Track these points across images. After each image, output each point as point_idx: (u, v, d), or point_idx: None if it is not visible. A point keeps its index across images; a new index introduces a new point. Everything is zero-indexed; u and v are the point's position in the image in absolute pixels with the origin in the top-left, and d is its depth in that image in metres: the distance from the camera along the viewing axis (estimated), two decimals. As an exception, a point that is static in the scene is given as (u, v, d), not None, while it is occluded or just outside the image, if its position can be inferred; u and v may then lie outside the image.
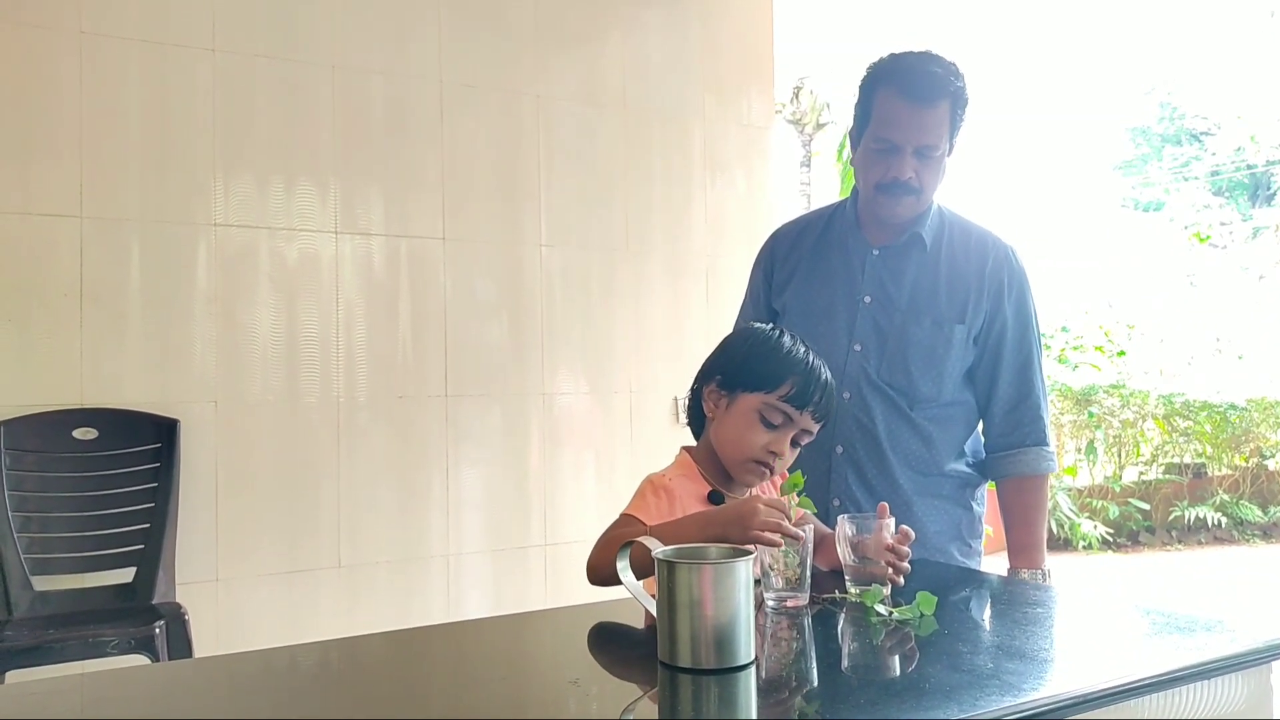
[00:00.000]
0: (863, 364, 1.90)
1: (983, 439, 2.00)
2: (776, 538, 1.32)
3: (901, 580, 1.46)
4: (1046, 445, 1.95)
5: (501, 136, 3.46)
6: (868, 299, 1.93)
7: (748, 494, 1.61)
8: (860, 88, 1.91)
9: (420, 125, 3.32)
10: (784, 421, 1.53)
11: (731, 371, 1.57)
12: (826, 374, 1.57)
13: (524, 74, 3.50)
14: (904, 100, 1.81)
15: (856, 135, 1.93)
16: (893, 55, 1.89)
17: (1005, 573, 1.91)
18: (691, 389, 1.65)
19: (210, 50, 3.00)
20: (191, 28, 2.98)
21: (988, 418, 1.96)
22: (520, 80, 3.49)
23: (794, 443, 1.56)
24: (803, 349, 1.57)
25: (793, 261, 2.04)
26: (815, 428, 1.57)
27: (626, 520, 1.48)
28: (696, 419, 1.65)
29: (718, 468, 1.59)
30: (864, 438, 1.89)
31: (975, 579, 1.72)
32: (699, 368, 1.64)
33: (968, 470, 1.97)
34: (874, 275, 1.94)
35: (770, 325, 1.67)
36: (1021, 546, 1.93)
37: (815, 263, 2.01)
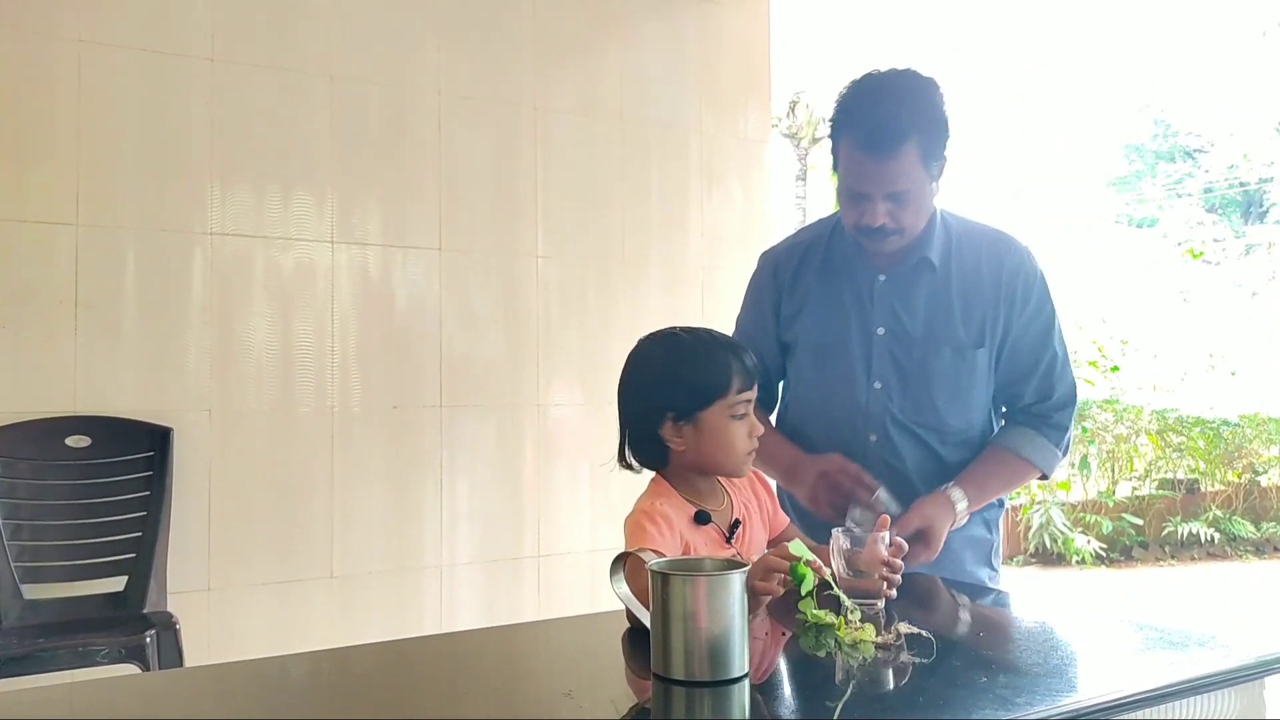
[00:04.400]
0: (885, 404, 1.82)
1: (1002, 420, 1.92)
2: (772, 585, 1.30)
3: (894, 593, 1.46)
4: (1059, 448, 1.85)
5: (499, 148, 3.47)
6: (881, 331, 1.83)
7: (728, 502, 1.60)
8: (830, 128, 1.80)
9: (417, 136, 3.32)
10: (748, 407, 1.56)
11: (684, 401, 1.52)
12: (733, 344, 1.57)
13: (522, 86, 3.51)
14: (863, 153, 1.70)
15: (835, 171, 1.81)
16: (851, 96, 1.75)
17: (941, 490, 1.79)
18: (640, 436, 1.56)
19: (208, 59, 3.01)
20: (189, 37, 2.98)
21: (1010, 412, 1.89)
22: (518, 92, 3.50)
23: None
24: (708, 337, 1.57)
25: (800, 293, 1.91)
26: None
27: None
28: (657, 456, 1.57)
29: (694, 486, 1.57)
30: (894, 480, 1.79)
31: (969, 593, 1.72)
32: (628, 417, 1.58)
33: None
34: (884, 304, 1.83)
35: (670, 334, 1.58)
36: (970, 481, 1.80)
37: (823, 292, 1.89)
